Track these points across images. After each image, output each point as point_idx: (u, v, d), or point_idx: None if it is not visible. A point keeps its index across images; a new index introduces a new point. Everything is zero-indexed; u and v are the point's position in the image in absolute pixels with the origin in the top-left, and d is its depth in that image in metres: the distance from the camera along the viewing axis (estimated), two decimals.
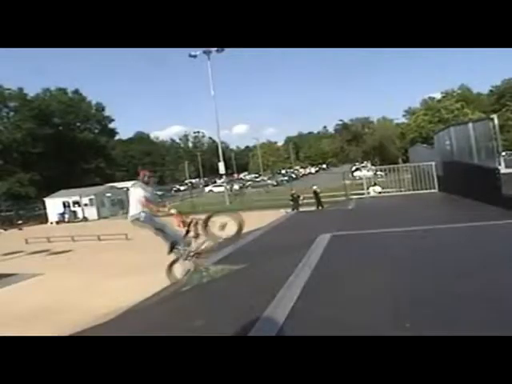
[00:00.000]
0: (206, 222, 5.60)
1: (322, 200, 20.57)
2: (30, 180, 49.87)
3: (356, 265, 4.19)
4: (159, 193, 37.85)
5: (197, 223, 5.62)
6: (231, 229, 5.50)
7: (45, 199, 32.33)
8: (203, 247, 5.61)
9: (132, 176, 65.70)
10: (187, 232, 5.59)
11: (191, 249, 5.53)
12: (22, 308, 6.55)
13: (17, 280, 9.07)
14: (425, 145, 20.84)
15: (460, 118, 50.24)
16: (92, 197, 30.95)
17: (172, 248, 5.46)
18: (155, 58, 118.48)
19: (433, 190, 12.66)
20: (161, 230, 5.44)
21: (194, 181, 76.46)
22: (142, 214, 5.26)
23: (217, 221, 5.57)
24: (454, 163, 10.81)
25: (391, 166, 17.57)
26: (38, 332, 4.25)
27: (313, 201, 21.60)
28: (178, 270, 5.49)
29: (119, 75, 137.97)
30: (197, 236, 5.57)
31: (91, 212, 30.55)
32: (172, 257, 5.53)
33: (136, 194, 5.40)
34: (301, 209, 18.32)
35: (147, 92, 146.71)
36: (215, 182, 60.10)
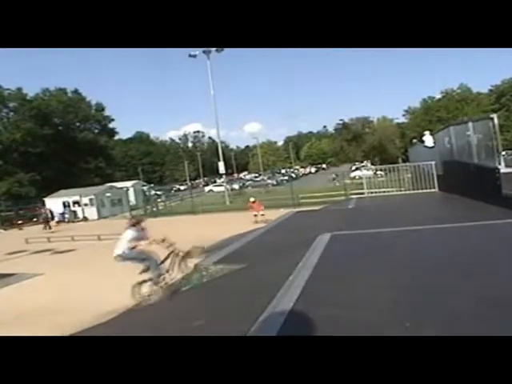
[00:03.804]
0: (185, 256, 5.89)
1: (321, 200, 20.71)
2: (30, 180, 49.85)
3: (356, 265, 4.19)
4: (159, 193, 37.82)
5: (177, 254, 5.87)
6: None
7: (45, 199, 32.34)
8: (171, 281, 5.93)
9: (131, 176, 65.94)
10: (164, 260, 5.85)
11: (161, 278, 5.84)
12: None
13: (18, 279, 9.08)
14: (424, 144, 20.82)
15: (459, 118, 50.26)
16: (92, 197, 30.95)
17: (145, 271, 5.80)
18: (166, 58, 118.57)
19: (433, 190, 12.65)
20: (144, 260, 5.77)
21: (192, 181, 76.46)
22: (126, 251, 5.69)
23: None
24: (454, 162, 10.81)
25: (391, 165, 17.56)
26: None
27: (312, 200, 21.64)
28: (144, 290, 5.78)
29: (127, 74, 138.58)
30: (168, 269, 5.94)
31: (91, 212, 30.55)
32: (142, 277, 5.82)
33: (125, 236, 5.81)
34: (300, 208, 18.34)
35: (150, 91, 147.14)
36: (215, 182, 60.09)
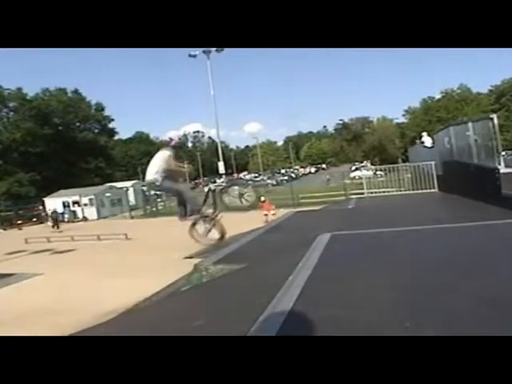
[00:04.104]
0: (223, 191, 5.82)
1: (321, 200, 20.74)
2: (30, 180, 49.84)
3: (356, 265, 4.18)
4: (159, 193, 37.79)
5: (214, 191, 5.82)
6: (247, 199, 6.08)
7: (44, 199, 32.34)
8: (219, 215, 6.06)
9: (131, 176, 65.94)
10: (205, 200, 5.78)
11: (209, 214, 5.89)
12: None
13: (17, 279, 9.07)
14: (424, 144, 20.84)
15: (459, 118, 50.32)
16: (92, 197, 30.95)
17: (191, 214, 5.75)
18: (166, 58, 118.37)
19: (432, 190, 12.66)
20: (179, 196, 5.54)
21: (192, 181, 76.35)
22: (159, 179, 5.32)
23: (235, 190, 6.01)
24: (454, 163, 10.82)
25: (391, 165, 17.57)
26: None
27: (312, 200, 21.65)
28: (200, 229, 5.95)
29: (127, 74, 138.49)
30: (215, 206, 5.89)
31: (91, 212, 30.55)
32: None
33: (160, 156, 5.49)
34: (300, 208, 18.36)
35: (150, 91, 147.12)
36: (215, 182, 60.11)
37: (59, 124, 59.23)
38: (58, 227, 23.30)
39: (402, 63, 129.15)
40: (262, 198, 18.17)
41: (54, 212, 25.44)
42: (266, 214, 16.77)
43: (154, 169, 5.31)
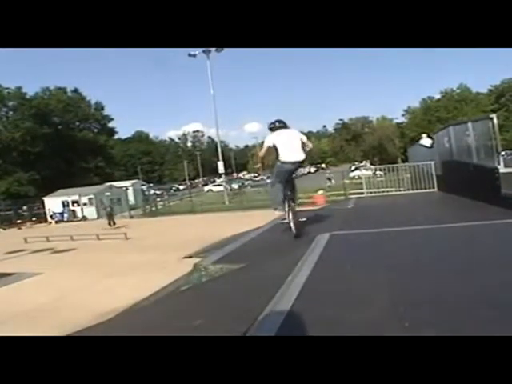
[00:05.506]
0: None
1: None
2: (29, 179, 49.81)
3: (355, 264, 4.19)
4: (158, 192, 37.79)
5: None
6: None
7: (44, 198, 32.32)
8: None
9: (131, 175, 65.88)
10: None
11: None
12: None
13: (17, 279, 9.07)
14: (424, 144, 20.85)
15: (459, 117, 50.35)
16: (91, 196, 30.94)
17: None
18: (166, 58, 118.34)
19: (432, 190, 12.66)
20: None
21: (192, 180, 76.36)
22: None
23: None
24: (453, 162, 10.82)
25: (390, 165, 17.57)
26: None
27: (312, 200, 21.64)
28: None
29: (126, 74, 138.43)
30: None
31: (90, 211, 30.54)
32: None
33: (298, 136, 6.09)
34: (300, 208, 18.42)
35: (150, 91, 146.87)
36: (214, 182, 60.08)
37: (59, 123, 59.19)
38: (114, 223, 21.48)
39: (401, 63, 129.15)
40: (320, 192, 19.94)
41: (109, 207, 23.68)
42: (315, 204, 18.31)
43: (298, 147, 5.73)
